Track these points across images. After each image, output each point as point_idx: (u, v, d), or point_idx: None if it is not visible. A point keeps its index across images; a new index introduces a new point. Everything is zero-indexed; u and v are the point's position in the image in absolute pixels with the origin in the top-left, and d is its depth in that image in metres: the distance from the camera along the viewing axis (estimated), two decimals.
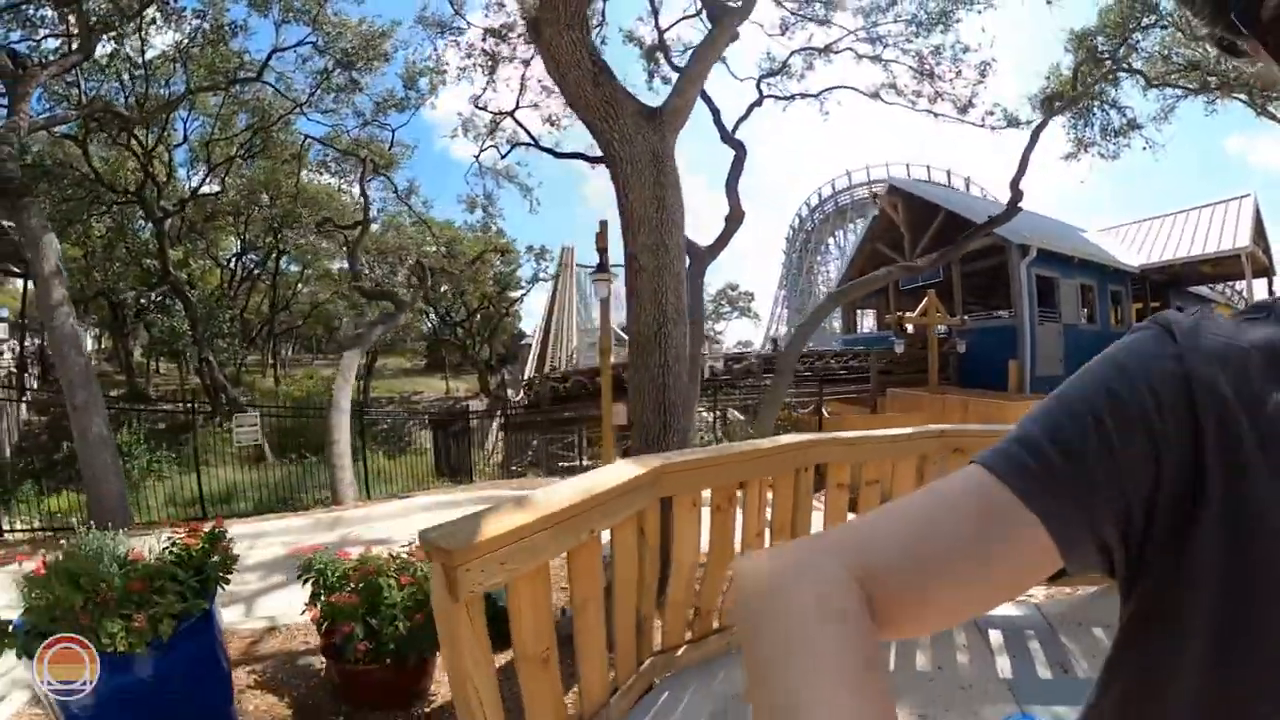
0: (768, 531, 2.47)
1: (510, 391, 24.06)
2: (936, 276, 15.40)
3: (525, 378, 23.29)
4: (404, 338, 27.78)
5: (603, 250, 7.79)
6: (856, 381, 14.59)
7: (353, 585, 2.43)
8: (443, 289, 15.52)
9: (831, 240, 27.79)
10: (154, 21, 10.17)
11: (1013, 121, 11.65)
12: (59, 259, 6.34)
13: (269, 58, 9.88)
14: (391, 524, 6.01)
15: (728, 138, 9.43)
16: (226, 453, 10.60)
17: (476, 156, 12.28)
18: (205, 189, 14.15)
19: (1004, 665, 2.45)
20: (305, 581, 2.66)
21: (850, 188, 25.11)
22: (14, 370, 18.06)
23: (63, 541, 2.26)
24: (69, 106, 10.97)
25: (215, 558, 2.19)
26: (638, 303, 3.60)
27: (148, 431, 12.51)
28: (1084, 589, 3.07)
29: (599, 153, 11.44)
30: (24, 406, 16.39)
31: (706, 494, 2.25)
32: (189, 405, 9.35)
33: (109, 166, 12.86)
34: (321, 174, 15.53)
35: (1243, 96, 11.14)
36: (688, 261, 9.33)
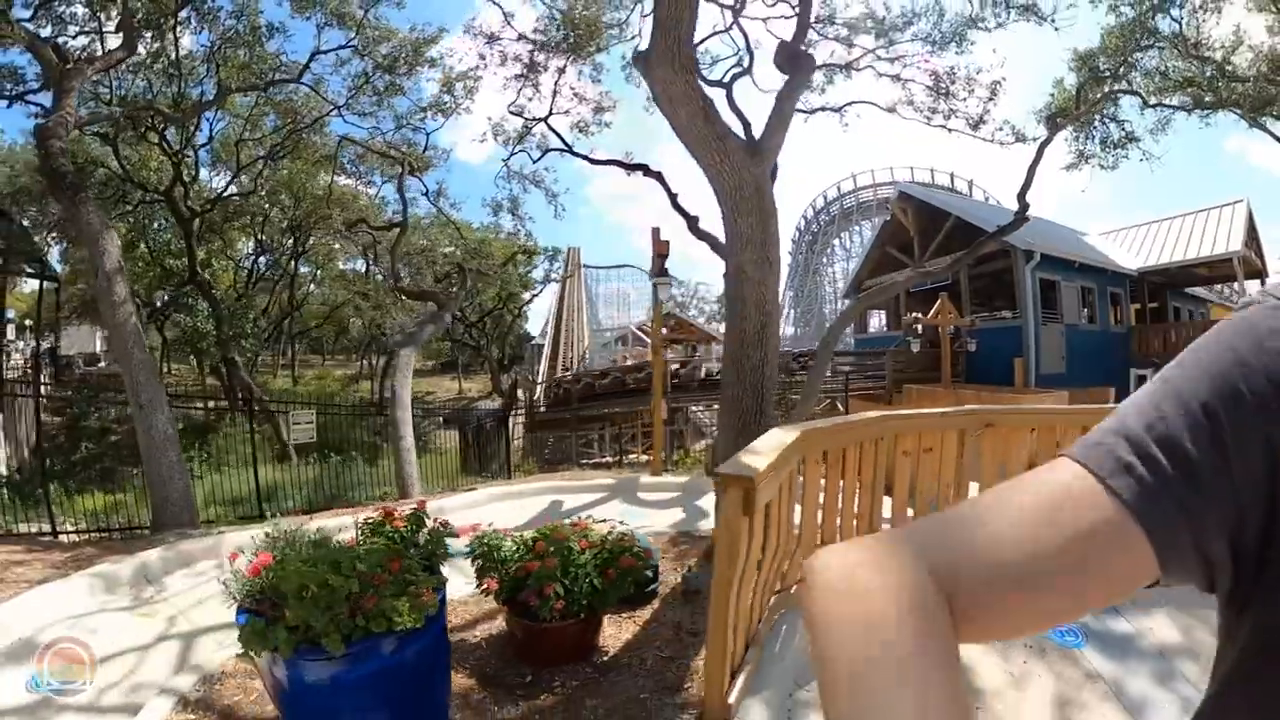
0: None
1: (521, 392, 24.04)
2: (945, 279, 15.67)
3: (538, 378, 23.26)
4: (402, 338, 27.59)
5: (663, 256, 7.92)
6: (870, 379, 14.86)
7: (538, 553, 2.52)
8: (478, 290, 15.47)
9: (837, 242, 28.11)
10: (188, 21, 10.10)
11: (1020, 138, 12.18)
12: (120, 255, 6.24)
13: (310, 60, 9.86)
14: (474, 513, 6.03)
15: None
16: (247, 452, 10.50)
17: (505, 161, 12.34)
18: (232, 189, 13.98)
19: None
20: (475, 558, 2.73)
21: (855, 190, 25.42)
22: (29, 370, 17.71)
23: (266, 532, 2.23)
24: (99, 105, 10.84)
25: (428, 537, 2.23)
26: (741, 306, 4.09)
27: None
28: None
29: (635, 160, 11.37)
30: (39, 407, 16.06)
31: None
32: (241, 401, 9.09)
33: (134, 166, 12.70)
34: (340, 176, 15.53)
35: (1236, 111, 11.65)
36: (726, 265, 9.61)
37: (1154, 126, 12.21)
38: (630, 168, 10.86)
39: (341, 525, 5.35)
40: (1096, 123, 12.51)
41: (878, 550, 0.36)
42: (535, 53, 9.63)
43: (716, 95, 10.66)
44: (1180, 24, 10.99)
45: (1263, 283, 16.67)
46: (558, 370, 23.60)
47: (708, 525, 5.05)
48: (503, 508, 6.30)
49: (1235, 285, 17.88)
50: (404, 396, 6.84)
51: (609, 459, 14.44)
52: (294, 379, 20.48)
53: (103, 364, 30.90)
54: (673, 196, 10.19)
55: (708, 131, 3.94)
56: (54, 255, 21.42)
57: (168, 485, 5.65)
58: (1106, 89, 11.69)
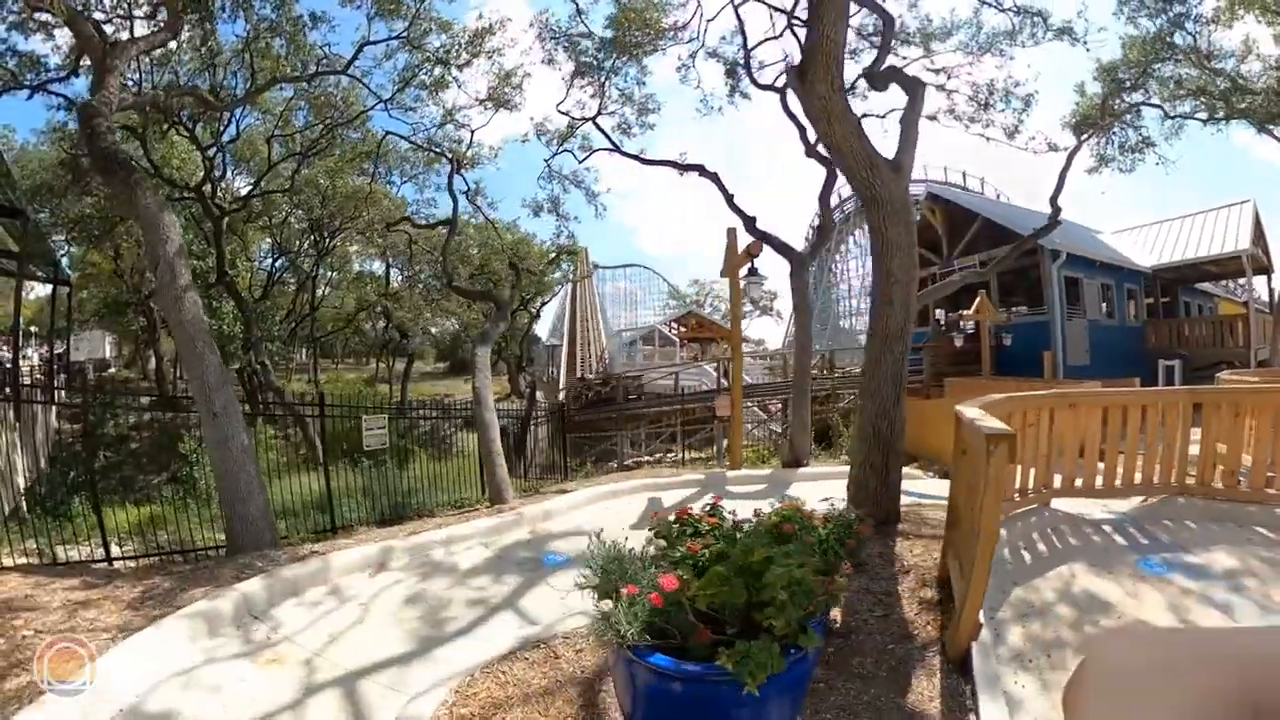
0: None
1: (540, 394, 23.43)
2: (981, 278, 15.58)
3: (557, 379, 22.70)
4: (422, 341, 26.92)
5: (754, 255, 7.54)
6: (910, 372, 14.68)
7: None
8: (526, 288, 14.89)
9: (851, 239, 27.87)
10: (223, 9, 9.44)
11: (1053, 147, 12.74)
12: (182, 240, 5.54)
13: (358, 51, 9.26)
14: (581, 514, 5.56)
15: (814, 153, 9.63)
16: (268, 458, 9.79)
17: (547, 161, 11.83)
18: (263, 186, 13.22)
19: None
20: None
21: None
22: (41, 376, 16.71)
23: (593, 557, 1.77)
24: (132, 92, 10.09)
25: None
26: (888, 307, 4.40)
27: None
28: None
29: (689, 160, 11.11)
30: (54, 415, 15.15)
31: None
32: (265, 404, 8.21)
33: (162, 161, 11.94)
34: (358, 176, 14.89)
35: (1248, 120, 12.03)
36: (788, 265, 9.34)
37: (1168, 132, 12.65)
38: (685, 168, 10.46)
39: (450, 537, 4.76)
40: (1115, 128, 12.87)
41: (1182, 648, 0.38)
42: (597, 50, 9.19)
43: (771, 100, 10.44)
44: (1194, 36, 11.33)
45: (1269, 278, 16.89)
46: (576, 371, 23.06)
47: (818, 510, 5.12)
48: (606, 508, 5.82)
49: (1241, 281, 18.20)
50: (487, 396, 6.31)
51: (647, 458, 13.98)
52: (315, 383, 19.64)
53: (113, 369, 29.64)
54: (729, 197, 9.85)
55: (860, 147, 4.19)
56: (64, 256, 20.37)
57: (247, 502, 4.80)
58: (1131, 101, 12.17)
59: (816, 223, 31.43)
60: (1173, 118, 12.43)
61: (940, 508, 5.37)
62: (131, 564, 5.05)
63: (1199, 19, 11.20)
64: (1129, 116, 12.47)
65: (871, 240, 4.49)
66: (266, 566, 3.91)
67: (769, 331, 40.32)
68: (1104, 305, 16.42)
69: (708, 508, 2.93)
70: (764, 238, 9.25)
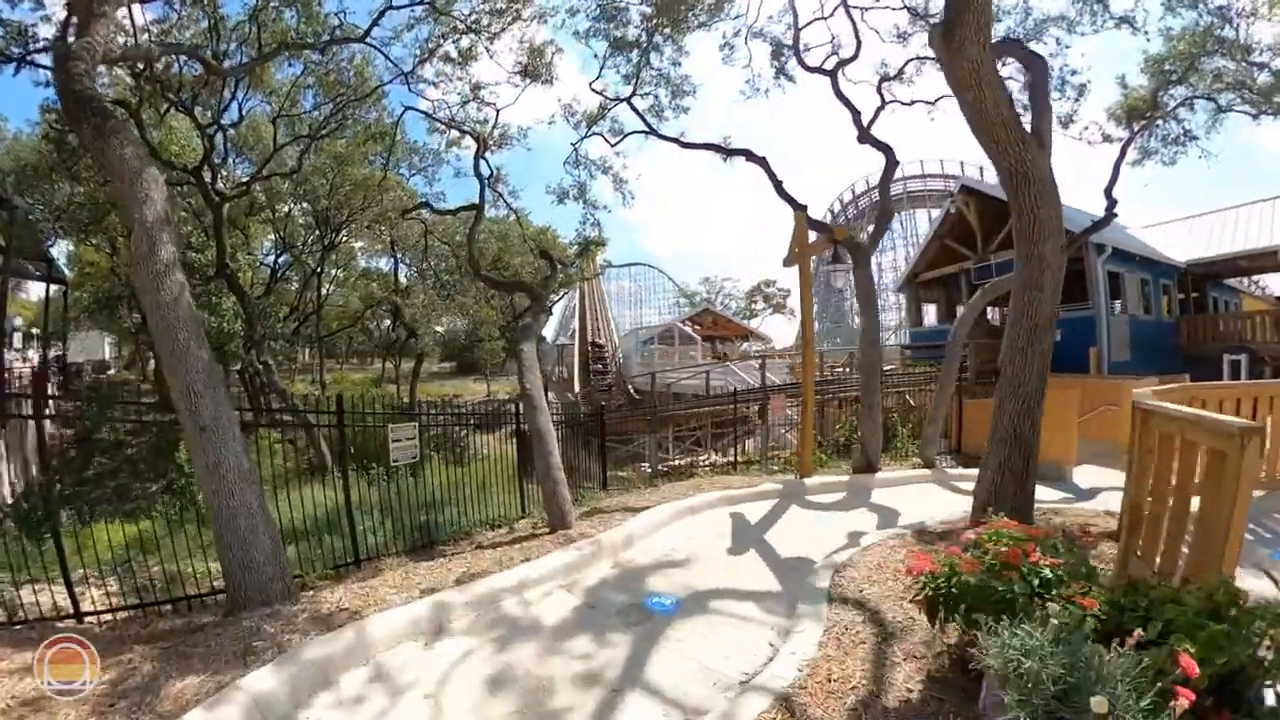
0: None
1: (551, 394, 22.40)
2: (1011, 272, 14.77)
3: (571, 378, 21.68)
4: (429, 340, 25.76)
5: (837, 242, 6.60)
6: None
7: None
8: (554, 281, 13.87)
9: (864, 235, 26.83)
10: None
11: (1107, 137, 12.14)
12: (167, 204, 4.29)
13: (380, 16, 8.22)
14: (666, 536, 4.60)
15: (868, 139, 8.87)
16: (267, 467, 8.53)
17: (575, 145, 10.85)
18: (268, 170, 12.11)
19: None
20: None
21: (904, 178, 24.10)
22: (33, 378, 15.51)
23: None
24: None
25: None
26: (1038, 294, 3.97)
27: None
28: None
29: (733, 146, 10.04)
30: (47, 419, 13.95)
31: None
32: (325, 408, 5.99)
33: (160, 147, 10.83)
34: (364, 168, 13.83)
35: None
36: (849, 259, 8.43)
37: (1207, 124, 12.21)
38: (729, 153, 9.52)
39: (522, 581, 3.53)
40: (1159, 121, 12.39)
41: None
42: (643, 21, 8.23)
43: (821, 83, 9.57)
44: (1238, 30, 10.92)
45: None
46: (589, 371, 22.04)
47: (930, 521, 4.53)
48: (690, 529, 4.84)
49: (1274, 276, 17.63)
50: (540, 398, 5.29)
51: (679, 461, 13.01)
52: (321, 384, 18.51)
53: (112, 371, 28.20)
54: (778, 183, 8.92)
55: (1012, 117, 3.82)
56: (61, 254, 19.13)
57: (250, 546, 3.48)
58: (1183, 93, 11.76)
59: (828, 218, 30.55)
60: (1225, 111, 11.98)
61: (1067, 513, 4.55)
62: (108, 616, 3.57)
63: (1240, 12, 10.76)
64: (1173, 109, 11.94)
65: (1019, 224, 4.05)
66: (280, 632, 2.83)
67: (779, 330, 39.33)
68: (1142, 301, 15.71)
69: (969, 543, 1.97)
70: (817, 226, 8.38)
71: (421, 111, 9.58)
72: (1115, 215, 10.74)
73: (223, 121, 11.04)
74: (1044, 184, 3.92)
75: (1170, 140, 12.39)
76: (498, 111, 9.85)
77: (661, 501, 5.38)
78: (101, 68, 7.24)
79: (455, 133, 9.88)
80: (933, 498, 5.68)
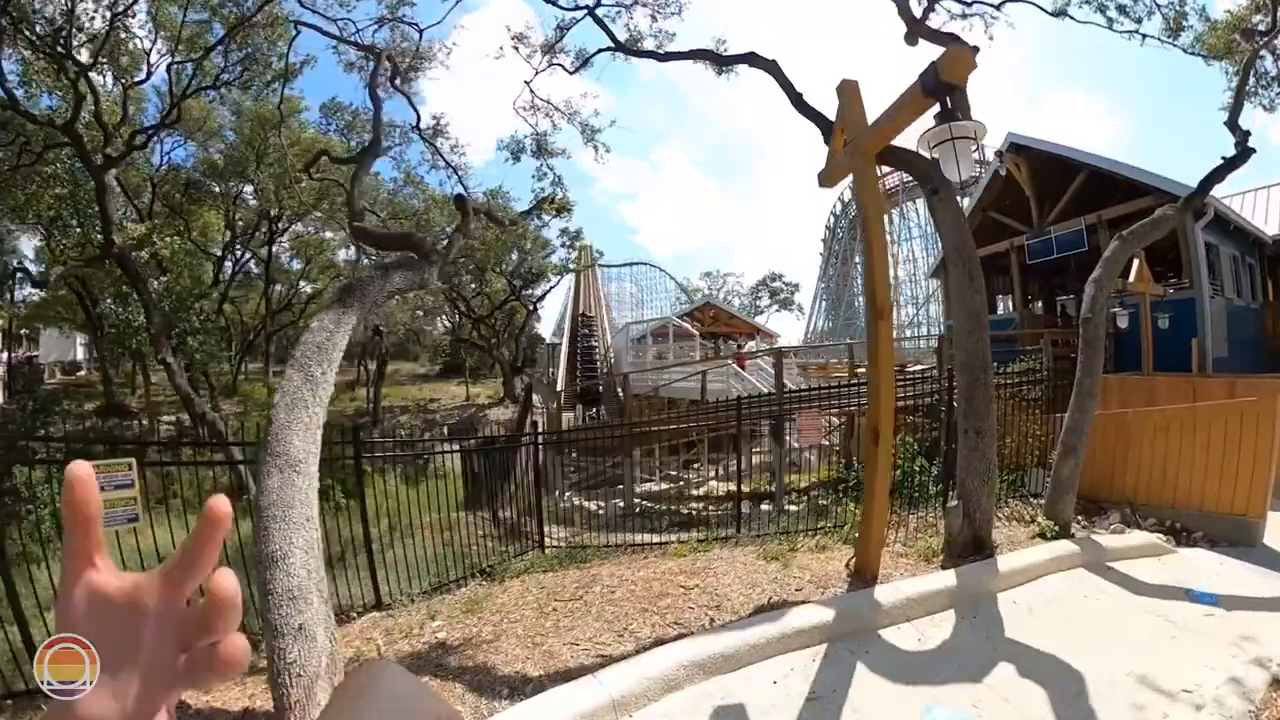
0: None
1: (537, 398, 19.74)
2: (1080, 246, 11.61)
3: (556, 381, 19.03)
4: (419, 340, 23.42)
5: (958, 84, 3.61)
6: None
7: None
8: (483, 251, 11.30)
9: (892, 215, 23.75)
10: None
11: (1229, 48, 8.62)
12: None
13: None
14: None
15: (923, 31, 6.01)
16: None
17: (528, 82, 8.20)
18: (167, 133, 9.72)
19: None
20: None
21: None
22: None
23: None
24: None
25: None
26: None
27: None
28: None
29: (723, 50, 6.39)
30: None
31: None
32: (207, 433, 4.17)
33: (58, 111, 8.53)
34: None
35: None
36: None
37: None
38: (727, 61, 6.71)
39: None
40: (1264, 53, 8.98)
41: None
42: None
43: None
44: None
45: None
46: (577, 373, 19.32)
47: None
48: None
49: None
50: (289, 439, 2.47)
51: (663, 486, 10.13)
52: (270, 389, 16.16)
53: (83, 371, 26.38)
54: (797, 96, 5.92)
55: None
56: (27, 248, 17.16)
57: None
58: None
59: (838, 207, 27.34)
60: None
61: None
62: None
63: None
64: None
65: None
66: None
67: (786, 328, 35.99)
68: (1235, 283, 12.38)
69: None
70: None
71: (318, 29, 7.06)
72: (1253, 151, 7.46)
73: (100, 60, 8.68)
74: None
75: (1273, 79, 9.23)
76: (420, 32, 7.26)
77: (561, 673, 2.50)
78: None
79: (364, 59, 7.30)
80: (1138, 625, 2.72)
